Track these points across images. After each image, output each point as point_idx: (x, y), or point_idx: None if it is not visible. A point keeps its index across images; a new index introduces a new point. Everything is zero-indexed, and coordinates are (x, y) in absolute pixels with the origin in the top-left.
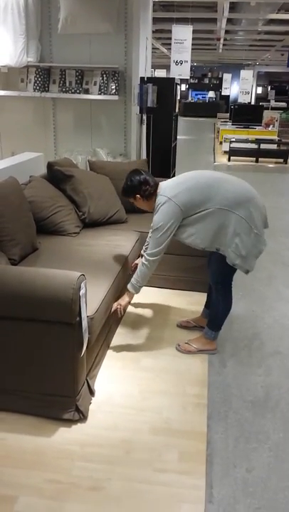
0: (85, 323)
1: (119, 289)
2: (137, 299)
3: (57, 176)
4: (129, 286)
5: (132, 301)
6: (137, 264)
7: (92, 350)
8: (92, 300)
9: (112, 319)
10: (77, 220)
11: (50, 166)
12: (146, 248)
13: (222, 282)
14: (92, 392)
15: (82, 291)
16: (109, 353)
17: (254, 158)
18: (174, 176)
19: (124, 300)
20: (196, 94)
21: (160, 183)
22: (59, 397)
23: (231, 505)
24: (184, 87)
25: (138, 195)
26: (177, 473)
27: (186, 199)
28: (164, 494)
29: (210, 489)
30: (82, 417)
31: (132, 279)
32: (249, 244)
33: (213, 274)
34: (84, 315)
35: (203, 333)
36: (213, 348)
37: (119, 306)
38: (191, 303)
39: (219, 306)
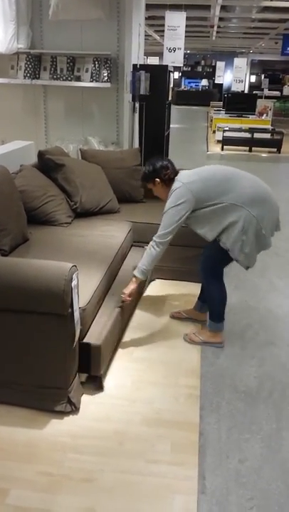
0: (77, 315)
1: (112, 280)
2: None
3: (48, 164)
4: (135, 271)
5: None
6: None
7: (108, 346)
8: (85, 291)
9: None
10: (69, 209)
11: (41, 154)
12: None
13: (213, 269)
14: (102, 388)
15: (74, 283)
16: None
17: (247, 148)
18: None
19: (128, 288)
20: (189, 82)
21: (180, 171)
22: (51, 389)
23: (224, 496)
24: (176, 74)
25: (158, 179)
26: (170, 465)
27: (200, 188)
28: (157, 485)
29: (202, 480)
30: (74, 408)
31: (139, 264)
32: (254, 244)
33: (205, 260)
34: (76, 306)
35: (207, 326)
36: (219, 341)
37: (123, 295)
38: (184, 293)
39: (215, 297)
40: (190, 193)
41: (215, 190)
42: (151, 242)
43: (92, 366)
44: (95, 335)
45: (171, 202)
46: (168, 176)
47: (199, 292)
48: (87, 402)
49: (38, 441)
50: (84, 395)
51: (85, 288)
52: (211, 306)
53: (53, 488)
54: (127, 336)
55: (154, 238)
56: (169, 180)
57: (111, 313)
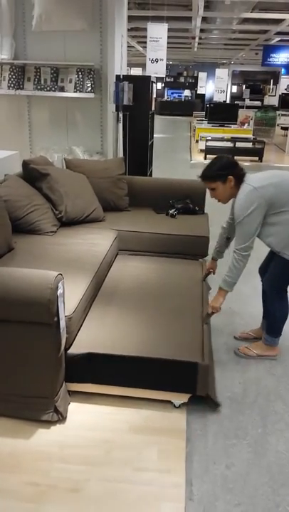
0: (63, 323)
1: (98, 288)
2: None
3: (32, 174)
4: (222, 284)
5: None
6: (210, 268)
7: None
8: (70, 300)
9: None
10: (54, 218)
11: (25, 164)
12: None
13: (278, 287)
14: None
15: (59, 291)
16: None
17: (230, 157)
18: (150, 175)
19: (218, 301)
20: (172, 93)
21: (246, 174)
22: (37, 399)
23: (211, 502)
24: (159, 85)
25: (231, 177)
26: (157, 472)
27: (272, 194)
28: (144, 493)
29: (190, 487)
30: (61, 417)
31: (225, 276)
32: None
33: (272, 278)
34: (62, 315)
35: (263, 339)
36: (274, 354)
37: (214, 310)
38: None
39: (276, 312)
40: (262, 198)
41: (284, 197)
42: (234, 255)
43: (198, 385)
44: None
45: (243, 208)
46: (241, 173)
47: (263, 311)
48: (74, 410)
49: (24, 451)
50: (71, 404)
51: (70, 296)
52: (271, 321)
53: (39, 499)
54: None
55: (236, 251)
56: (240, 179)
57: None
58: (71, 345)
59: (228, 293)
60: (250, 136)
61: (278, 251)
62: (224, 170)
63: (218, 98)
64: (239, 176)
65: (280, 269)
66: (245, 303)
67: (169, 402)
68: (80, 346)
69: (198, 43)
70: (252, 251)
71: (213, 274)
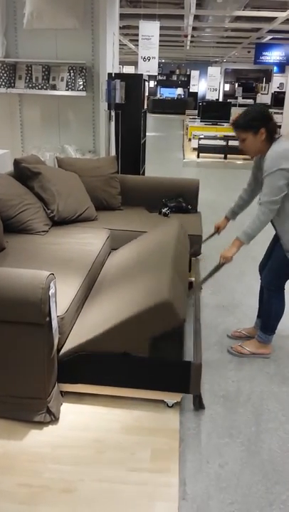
0: (55, 324)
1: (91, 288)
2: None
3: (24, 173)
4: (240, 234)
5: None
6: (219, 226)
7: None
8: (62, 300)
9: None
10: (46, 218)
11: (16, 163)
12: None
13: (276, 284)
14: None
15: (51, 291)
16: None
17: (223, 155)
18: (143, 173)
19: (230, 251)
20: (165, 91)
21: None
22: (30, 399)
23: (205, 502)
24: (152, 83)
25: (263, 129)
26: (150, 472)
27: None
28: (138, 493)
29: (183, 486)
30: (54, 418)
31: (246, 228)
32: None
33: (270, 273)
34: (54, 315)
35: (256, 337)
36: (268, 352)
37: (225, 261)
38: None
39: (272, 309)
40: None
41: None
42: (261, 207)
43: (191, 385)
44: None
45: (279, 160)
46: (274, 129)
47: (258, 310)
48: (67, 411)
49: (16, 452)
50: (63, 404)
51: (63, 296)
52: (266, 318)
53: (32, 500)
54: None
55: (263, 203)
56: (271, 135)
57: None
58: (63, 345)
59: (217, 291)
60: None
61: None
62: (258, 121)
63: (211, 96)
64: (272, 131)
65: (277, 265)
66: (238, 301)
67: (162, 401)
68: (72, 345)
69: (191, 41)
70: (248, 250)
71: (218, 234)
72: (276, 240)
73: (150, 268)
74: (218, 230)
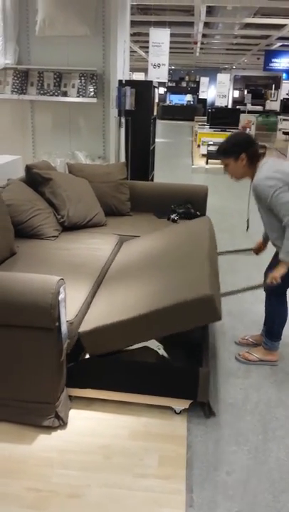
0: (64, 328)
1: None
2: None
3: (35, 178)
4: (281, 256)
5: None
6: (260, 245)
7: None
8: (72, 305)
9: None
10: (56, 223)
11: (28, 168)
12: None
13: (278, 290)
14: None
15: (61, 296)
16: None
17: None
18: (152, 179)
19: (278, 271)
20: (174, 98)
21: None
22: (38, 404)
23: (212, 509)
24: (161, 90)
25: (244, 154)
26: (157, 478)
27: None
28: (145, 499)
29: (190, 493)
30: (62, 423)
31: (284, 247)
32: None
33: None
34: (63, 320)
35: (262, 344)
36: (275, 360)
37: (273, 280)
38: None
39: (275, 315)
40: (280, 180)
41: None
42: (287, 229)
43: (199, 392)
44: None
45: (266, 189)
46: (255, 153)
47: (265, 317)
48: (75, 416)
49: (25, 456)
50: (71, 410)
51: (72, 301)
52: (270, 324)
53: (40, 504)
54: None
55: (286, 223)
56: (253, 159)
57: None
58: (73, 348)
59: (225, 299)
60: None
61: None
62: (238, 146)
63: (220, 103)
64: (253, 156)
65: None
66: (246, 309)
67: (170, 408)
68: (97, 324)
69: (200, 48)
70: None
71: (257, 254)
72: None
73: (185, 260)
74: (254, 250)
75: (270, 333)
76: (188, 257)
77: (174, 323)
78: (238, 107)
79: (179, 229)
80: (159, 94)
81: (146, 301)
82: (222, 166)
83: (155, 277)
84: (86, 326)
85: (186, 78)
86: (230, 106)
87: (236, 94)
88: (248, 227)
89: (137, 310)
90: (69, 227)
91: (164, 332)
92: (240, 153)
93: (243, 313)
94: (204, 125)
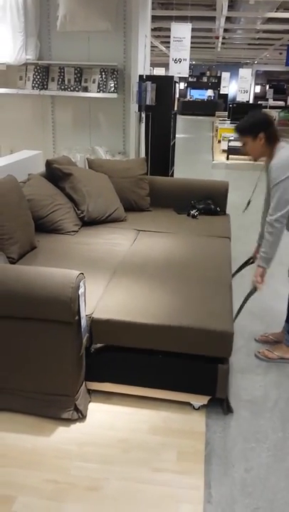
0: (84, 322)
1: None
2: None
3: (55, 174)
4: (258, 261)
5: None
6: (256, 254)
7: None
8: (91, 299)
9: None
10: (76, 218)
11: (48, 164)
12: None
13: None
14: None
15: (81, 290)
16: None
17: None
18: (172, 175)
19: (256, 276)
20: (195, 93)
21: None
22: (58, 397)
23: (230, 506)
24: (182, 85)
25: (262, 134)
26: (175, 473)
27: None
28: (163, 494)
29: (208, 489)
30: (81, 416)
31: (260, 252)
32: None
33: None
34: (83, 314)
35: (284, 341)
36: None
37: (257, 284)
38: None
39: None
40: None
41: None
42: (266, 227)
43: (218, 388)
44: None
45: (280, 170)
46: (274, 133)
47: (287, 314)
48: (94, 409)
49: (44, 448)
50: (91, 403)
51: (92, 295)
52: None
53: (59, 496)
54: None
55: (268, 221)
56: (272, 140)
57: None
58: (91, 342)
59: (242, 296)
60: None
61: None
62: (257, 126)
63: (241, 98)
64: (272, 136)
65: None
66: (266, 306)
67: (188, 403)
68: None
69: (222, 43)
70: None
71: (253, 262)
72: None
73: (208, 280)
74: (253, 259)
75: None
76: (211, 278)
77: (187, 344)
78: (259, 102)
79: (200, 226)
80: (180, 90)
81: (168, 312)
82: (246, 161)
83: (177, 288)
84: (100, 313)
85: (207, 73)
86: (251, 101)
87: (258, 89)
88: (246, 208)
89: (159, 319)
90: (89, 222)
91: (175, 348)
92: (259, 132)
93: (262, 310)
94: (225, 121)
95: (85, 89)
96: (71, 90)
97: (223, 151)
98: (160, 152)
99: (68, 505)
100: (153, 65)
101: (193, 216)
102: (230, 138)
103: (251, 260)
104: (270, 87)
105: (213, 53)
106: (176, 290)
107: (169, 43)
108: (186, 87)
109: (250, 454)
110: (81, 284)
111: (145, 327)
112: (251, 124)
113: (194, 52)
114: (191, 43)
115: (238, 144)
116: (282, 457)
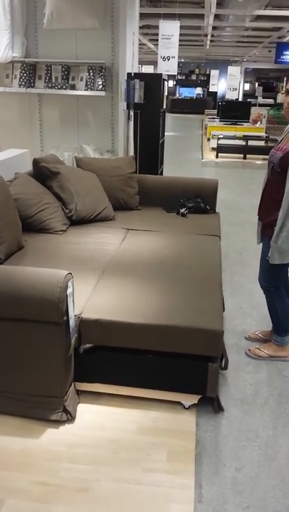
0: (72, 323)
1: None
2: None
3: (43, 172)
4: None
5: None
6: None
7: None
8: (80, 299)
9: None
10: (64, 217)
11: (36, 162)
12: None
13: (273, 283)
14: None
15: (69, 290)
16: None
17: (242, 155)
18: (161, 173)
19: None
20: (184, 91)
21: None
22: (46, 398)
23: (221, 505)
24: (171, 83)
25: None
26: (166, 473)
27: None
28: (153, 494)
29: (199, 489)
30: (70, 417)
31: (279, 243)
32: None
33: (263, 274)
34: (71, 314)
35: (272, 340)
36: (286, 355)
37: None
38: None
39: (278, 309)
40: None
41: None
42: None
43: (208, 387)
44: None
45: None
46: None
47: (269, 315)
48: (83, 410)
49: (33, 450)
50: (80, 404)
51: (80, 295)
52: (276, 320)
53: (48, 498)
54: None
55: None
56: None
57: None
58: (80, 343)
59: (234, 293)
60: (263, 134)
61: None
62: None
63: (231, 96)
64: None
65: (265, 262)
66: (257, 303)
67: (178, 403)
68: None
69: (211, 41)
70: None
71: None
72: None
73: (197, 279)
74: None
75: (278, 329)
76: (201, 277)
77: (176, 343)
78: (248, 100)
79: (189, 225)
80: (169, 87)
81: (157, 311)
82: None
83: (166, 287)
84: (89, 313)
85: (196, 71)
86: (240, 99)
87: (247, 87)
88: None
89: (149, 318)
90: (77, 221)
91: (164, 347)
92: None
93: (252, 307)
94: (214, 118)
95: (73, 87)
96: (58, 88)
97: (213, 149)
98: (149, 150)
99: (58, 507)
100: (141, 62)
101: (183, 214)
102: (220, 136)
103: None
104: (259, 85)
105: (201, 51)
106: (166, 289)
107: (157, 40)
108: (175, 84)
109: (241, 453)
110: (69, 284)
111: (134, 327)
112: None
113: (183, 50)
114: (180, 40)
115: (227, 141)
116: (273, 455)
